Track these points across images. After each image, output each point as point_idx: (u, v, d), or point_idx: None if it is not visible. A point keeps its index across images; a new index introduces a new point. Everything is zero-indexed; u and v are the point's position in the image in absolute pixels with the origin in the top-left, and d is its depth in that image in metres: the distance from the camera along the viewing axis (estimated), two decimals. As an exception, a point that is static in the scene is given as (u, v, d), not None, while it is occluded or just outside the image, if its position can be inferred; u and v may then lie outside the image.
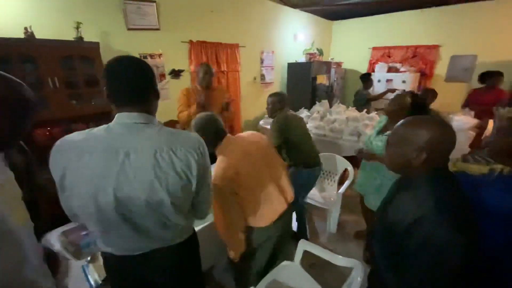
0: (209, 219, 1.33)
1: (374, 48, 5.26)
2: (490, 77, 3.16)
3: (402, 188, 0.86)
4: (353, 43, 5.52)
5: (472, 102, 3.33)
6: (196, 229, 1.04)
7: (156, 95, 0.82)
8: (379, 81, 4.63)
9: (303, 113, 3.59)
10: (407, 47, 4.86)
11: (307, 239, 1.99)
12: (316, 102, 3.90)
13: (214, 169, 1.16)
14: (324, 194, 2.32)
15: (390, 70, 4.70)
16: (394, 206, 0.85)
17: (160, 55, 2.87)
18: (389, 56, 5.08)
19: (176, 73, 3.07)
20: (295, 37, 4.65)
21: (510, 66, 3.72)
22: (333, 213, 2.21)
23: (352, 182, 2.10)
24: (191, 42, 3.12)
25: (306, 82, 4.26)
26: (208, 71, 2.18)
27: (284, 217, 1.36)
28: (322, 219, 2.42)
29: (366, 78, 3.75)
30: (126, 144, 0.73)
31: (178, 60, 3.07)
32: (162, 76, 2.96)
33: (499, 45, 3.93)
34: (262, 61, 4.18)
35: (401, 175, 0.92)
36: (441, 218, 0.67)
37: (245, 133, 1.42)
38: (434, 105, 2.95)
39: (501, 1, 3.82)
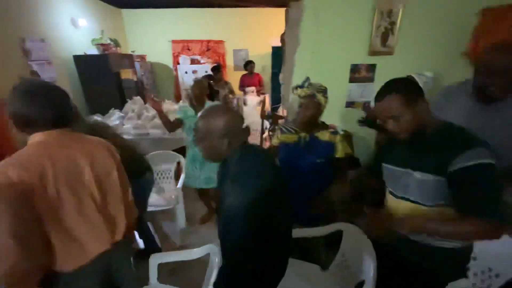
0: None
1: (174, 41, 5.42)
2: (248, 65, 4.49)
3: (224, 170, 0.94)
4: (153, 35, 5.35)
5: (242, 84, 4.49)
6: None
7: None
8: (186, 72, 4.91)
9: (115, 115, 3.07)
10: (202, 41, 5.48)
11: (159, 249, 1.82)
12: (128, 100, 3.46)
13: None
14: (165, 195, 2.20)
15: (193, 62, 5.11)
16: (223, 188, 0.91)
17: None
18: (189, 49, 5.49)
19: None
20: (73, 22, 3.66)
21: (266, 56, 5.32)
22: (179, 209, 2.17)
23: (188, 173, 2.15)
24: None
25: (108, 79, 3.60)
26: None
27: (104, 260, 0.97)
28: (170, 220, 2.31)
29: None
30: None
31: None
32: None
33: (261, 42, 5.45)
34: (28, 54, 2.95)
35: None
36: (234, 186, 0.79)
37: (89, 137, 0.98)
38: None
39: (263, 10, 5.23)
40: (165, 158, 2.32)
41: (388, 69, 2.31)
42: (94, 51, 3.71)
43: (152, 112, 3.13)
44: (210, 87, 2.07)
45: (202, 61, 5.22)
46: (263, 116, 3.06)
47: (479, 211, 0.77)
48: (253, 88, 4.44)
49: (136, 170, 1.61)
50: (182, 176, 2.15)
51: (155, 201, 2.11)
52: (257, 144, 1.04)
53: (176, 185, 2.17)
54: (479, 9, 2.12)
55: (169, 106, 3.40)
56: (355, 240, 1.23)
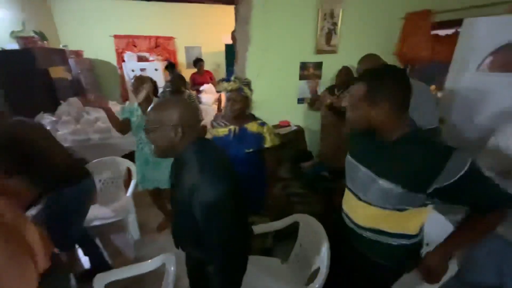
0: None
1: (116, 36, 4.93)
2: (197, 63, 4.37)
3: (178, 167, 0.89)
4: (90, 29, 4.76)
5: (194, 83, 4.36)
6: None
7: None
8: (133, 70, 4.53)
9: (45, 119, 2.66)
10: (149, 37, 5.10)
11: (109, 266, 1.65)
12: (61, 102, 3.03)
13: None
14: (114, 205, 1.99)
15: (140, 59, 4.73)
16: (179, 186, 0.87)
17: None
18: (135, 46, 5.07)
19: None
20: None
21: (220, 54, 5.24)
22: (130, 219, 2.00)
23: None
24: None
25: (33, 78, 3.09)
26: None
27: None
28: (122, 232, 2.11)
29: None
30: None
31: None
32: None
33: (214, 39, 5.31)
34: None
35: (174, 158, 0.94)
36: (203, 178, 0.77)
37: None
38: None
39: (216, 6, 5.05)
40: (111, 165, 2.10)
41: (334, 67, 2.48)
42: (14, 45, 3.15)
43: (95, 114, 2.80)
44: (154, 83, 1.93)
45: (151, 59, 4.87)
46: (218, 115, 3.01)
47: (499, 201, 0.76)
48: (209, 86, 4.32)
49: (71, 176, 1.43)
50: (133, 183, 1.98)
51: (102, 213, 1.90)
52: (211, 140, 1.01)
53: (126, 193, 1.99)
54: (404, 14, 2.42)
55: (113, 107, 3.09)
56: (311, 230, 1.29)
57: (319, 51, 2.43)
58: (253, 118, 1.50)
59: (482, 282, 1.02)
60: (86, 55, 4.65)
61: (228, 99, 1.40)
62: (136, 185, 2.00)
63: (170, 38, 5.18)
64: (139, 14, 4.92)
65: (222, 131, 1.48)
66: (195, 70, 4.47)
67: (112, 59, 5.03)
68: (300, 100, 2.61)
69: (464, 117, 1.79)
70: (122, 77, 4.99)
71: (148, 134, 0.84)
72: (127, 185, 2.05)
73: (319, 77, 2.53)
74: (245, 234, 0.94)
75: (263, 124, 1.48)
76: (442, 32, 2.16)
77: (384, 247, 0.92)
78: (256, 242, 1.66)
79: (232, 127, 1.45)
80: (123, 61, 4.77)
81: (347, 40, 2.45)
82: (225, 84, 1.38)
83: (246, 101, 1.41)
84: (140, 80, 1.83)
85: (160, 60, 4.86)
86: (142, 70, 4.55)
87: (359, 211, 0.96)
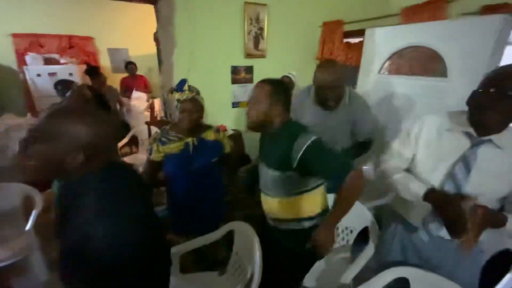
0: None
1: (16, 35, 4.05)
2: (128, 66, 4.01)
3: (69, 199, 0.70)
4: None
5: (126, 89, 3.97)
6: None
7: None
8: (39, 75, 3.80)
9: None
10: (61, 36, 4.36)
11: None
12: None
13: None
14: (10, 244, 1.58)
15: (48, 62, 4.00)
16: (66, 228, 0.68)
17: None
18: (42, 46, 4.26)
19: None
20: None
21: (152, 57, 4.84)
22: (35, 257, 1.63)
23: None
24: None
25: None
26: None
27: None
28: (24, 274, 1.69)
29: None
30: None
31: None
32: None
33: (143, 41, 4.87)
34: None
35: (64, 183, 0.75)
36: (101, 229, 0.60)
37: None
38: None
39: (141, 6, 4.61)
40: (4, 194, 1.67)
41: (264, 71, 2.56)
42: None
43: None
44: (96, 95, 1.61)
45: (62, 61, 4.17)
46: (151, 122, 2.76)
47: (341, 169, 0.88)
48: (140, 94, 3.91)
49: None
50: (34, 213, 1.61)
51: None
52: (120, 162, 0.84)
53: (26, 226, 1.61)
54: (321, 23, 2.66)
55: (10, 121, 2.51)
56: (245, 237, 1.26)
57: (248, 55, 2.46)
58: (207, 126, 1.42)
59: (392, 260, 1.15)
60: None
61: (182, 110, 1.26)
62: (44, 213, 1.63)
63: (88, 38, 4.53)
64: (45, 9, 4.15)
65: (176, 146, 1.31)
66: (121, 75, 4.02)
67: (12, 62, 4.11)
68: (235, 104, 2.60)
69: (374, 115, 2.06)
70: (25, 83, 4.13)
71: (28, 145, 0.61)
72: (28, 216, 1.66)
73: (251, 81, 2.57)
74: (160, 269, 0.82)
75: (218, 130, 1.45)
76: (352, 40, 2.45)
77: (298, 233, 1.05)
78: (208, 256, 1.55)
79: (189, 139, 1.31)
80: (25, 64, 3.96)
81: (275, 45, 2.56)
82: (177, 94, 1.25)
83: (202, 110, 1.32)
84: (77, 93, 1.52)
85: (75, 63, 4.20)
86: (51, 74, 3.85)
87: (267, 206, 1.12)
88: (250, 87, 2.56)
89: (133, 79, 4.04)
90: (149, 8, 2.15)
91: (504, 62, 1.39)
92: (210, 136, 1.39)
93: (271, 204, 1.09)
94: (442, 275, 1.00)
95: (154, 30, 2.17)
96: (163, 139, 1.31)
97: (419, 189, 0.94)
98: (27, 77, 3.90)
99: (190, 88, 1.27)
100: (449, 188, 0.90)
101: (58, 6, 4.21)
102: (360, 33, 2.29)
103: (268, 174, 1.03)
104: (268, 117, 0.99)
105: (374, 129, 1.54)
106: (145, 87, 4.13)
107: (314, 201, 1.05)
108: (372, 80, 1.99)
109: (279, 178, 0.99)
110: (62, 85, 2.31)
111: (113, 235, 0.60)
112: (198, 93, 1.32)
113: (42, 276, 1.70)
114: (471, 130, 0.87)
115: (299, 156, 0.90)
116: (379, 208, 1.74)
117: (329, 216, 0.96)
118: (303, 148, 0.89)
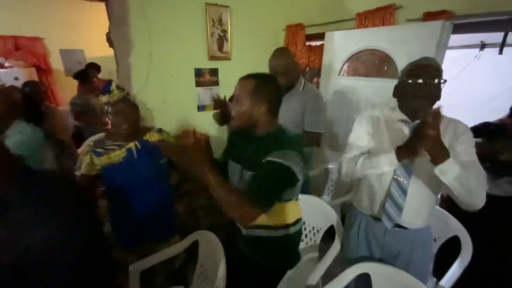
0: None
1: None
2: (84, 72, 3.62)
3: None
4: None
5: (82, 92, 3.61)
6: None
7: None
8: (-25, 80, 3.34)
9: None
10: (5, 38, 3.88)
11: None
12: None
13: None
14: None
15: (-12, 65, 3.55)
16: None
17: None
18: (-21, 47, 3.77)
19: None
20: None
21: (108, 60, 4.53)
22: None
23: None
24: None
25: None
26: None
27: None
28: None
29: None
30: None
31: None
32: None
33: (101, 41, 4.53)
34: None
35: None
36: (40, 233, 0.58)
37: None
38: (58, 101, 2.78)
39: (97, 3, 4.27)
40: None
41: (229, 73, 2.52)
42: None
43: None
44: (27, 98, 1.45)
45: (7, 64, 3.73)
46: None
47: (248, 191, 0.81)
48: None
49: None
50: None
51: None
52: (50, 173, 0.76)
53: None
54: (285, 26, 2.70)
55: None
56: (210, 247, 1.20)
57: (212, 57, 2.40)
58: (146, 128, 1.33)
59: (358, 255, 1.19)
60: None
61: (115, 113, 1.14)
62: None
63: (36, 39, 4.11)
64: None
65: (116, 155, 1.19)
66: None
67: None
68: (201, 108, 2.52)
69: (336, 115, 2.14)
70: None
71: None
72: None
73: (216, 83, 2.51)
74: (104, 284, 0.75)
75: (160, 130, 1.36)
76: (314, 43, 2.52)
77: (267, 242, 0.99)
78: (162, 269, 1.45)
79: (130, 144, 1.21)
80: (-43, 67, 3.47)
81: (239, 48, 2.54)
82: (106, 97, 1.13)
83: (138, 110, 1.23)
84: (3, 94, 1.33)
85: (22, 66, 3.79)
86: (-9, 79, 3.42)
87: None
88: (215, 89, 2.50)
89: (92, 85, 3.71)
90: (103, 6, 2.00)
91: (444, 64, 1.52)
92: (153, 137, 1.31)
93: None
94: (401, 263, 1.06)
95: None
96: (99, 150, 1.19)
97: (390, 154, 0.94)
98: (-39, 82, 3.41)
99: (119, 87, 1.18)
100: (400, 173, 0.98)
101: (2, 5, 3.76)
102: (321, 36, 2.37)
103: (244, 176, 0.95)
104: (252, 118, 0.91)
105: (321, 122, 1.59)
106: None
107: (291, 210, 1.00)
108: (333, 81, 2.06)
109: None
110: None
111: (52, 241, 0.60)
112: (128, 93, 1.25)
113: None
114: (405, 117, 0.99)
115: (260, 163, 0.85)
116: (343, 205, 1.79)
117: (207, 171, 0.75)
118: (266, 159, 0.84)
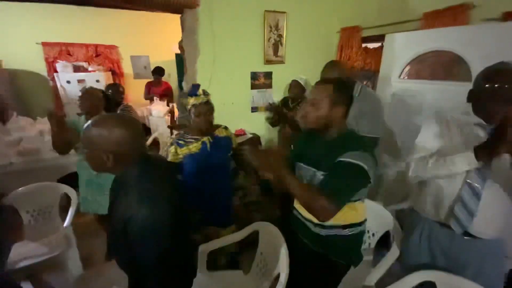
0: None
1: (45, 44, 4.34)
2: (155, 73, 4.09)
3: (117, 189, 0.84)
4: (11, 35, 4.10)
5: (150, 92, 4.09)
6: None
7: None
8: (68, 82, 4.05)
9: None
10: (87, 45, 4.63)
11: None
12: (-28, 121, 2.52)
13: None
14: (49, 239, 1.71)
15: (77, 69, 4.25)
16: (115, 212, 0.80)
17: None
18: (70, 54, 4.54)
19: None
20: None
21: (170, 63, 5.03)
22: (70, 253, 1.74)
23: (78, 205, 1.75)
24: None
25: None
26: None
27: None
28: (60, 269, 1.81)
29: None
30: None
31: None
32: None
33: (163, 48, 5.07)
34: None
35: (115, 177, 0.88)
36: (141, 210, 0.72)
37: None
38: (127, 100, 3.22)
39: (162, 14, 4.83)
40: (43, 193, 1.81)
41: (283, 76, 2.62)
42: None
43: (17, 134, 2.40)
44: (106, 97, 1.80)
45: (90, 69, 4.42)
46: (173, 126, 2.88)
47: (325, 189, 0.87)
48: (161, 102, 4.05)
49: None
50: (71, 211, 1.73)
51: (32, 251, 1.61)
52: (158, 157, 0.95)
53: (64, 223, 1.73)
54: (339, 29, 2.69)
55: (42, 125, 2.70)
56: (270, 237, 1.30)
57: (268, 61, 2.53)
58: (217, 125, 1.54)
59: (420, 262, 1.16)
60: (7, 65, 3.99)
61: (198, 114, 1.36)
62: (78, 213, 1.76)
63: (112, 47, 4.79)
64: (72, 20, 4.42)
65: (194, 147, 1.42)
66: (143, 80, 4.17)
67: (42, 70, 4.40)
68: (254, 109, 2.67)
69: (394, 119, 2.06)
70: (55, 89, 4.40)
71: (83, 152, 0.79)
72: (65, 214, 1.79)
73: (270, 86, 2.63)
74: (186, 256, 0.90)
75: (225, 127, 1.57)
76: (370, 45, 2.47)
77: (335, 239, 1.02)
78: (219, 257, 1.61)
79: (205, 138, 1.43)
80: (56, 71, 4.23)
81: (293, 51, 2.62)
82: (192, 99, 1.36)
83: (213, 111, 1.44)
84: (89, 94, 1.66)
85: (102, 70, 4.44)
86: (80, 81, 4.10)
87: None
88: (269, 92, 2.63)
89: (157, 83, 4.14)
90: (168, 17, 2.26)
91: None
92: (221, 133, 1.51)
93: None
94: (469, 275, 1.00)
95: (172, 38, 2.29)
96: (181, 142, 1.42)
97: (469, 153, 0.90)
98: (58, 83, 4.16)
99: (204, 93, 1.38)
100: (475, 176, 0.95)
101: (85, 17, 4.47)
102: (379, 38, 2.31)
103: (315, 177, 0.98)
104: (329, 121, 0.95)
105: (378, 127, 1.57)
106: (168, 93, 4.22)
107: (360, 209, 1.04)
108: (392, 84, 2.00)
109: None
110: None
111: (152, 217, 0.73)
112: (209, 95, 1.43)
113: (76, 271, 1.81)
114: (481, 120, 0.96)
115: (333, 163, 0.90)
116: (400, 212, 1.74)
117: (286, 174, 0.89)
118: (339, 159, 0.88)
